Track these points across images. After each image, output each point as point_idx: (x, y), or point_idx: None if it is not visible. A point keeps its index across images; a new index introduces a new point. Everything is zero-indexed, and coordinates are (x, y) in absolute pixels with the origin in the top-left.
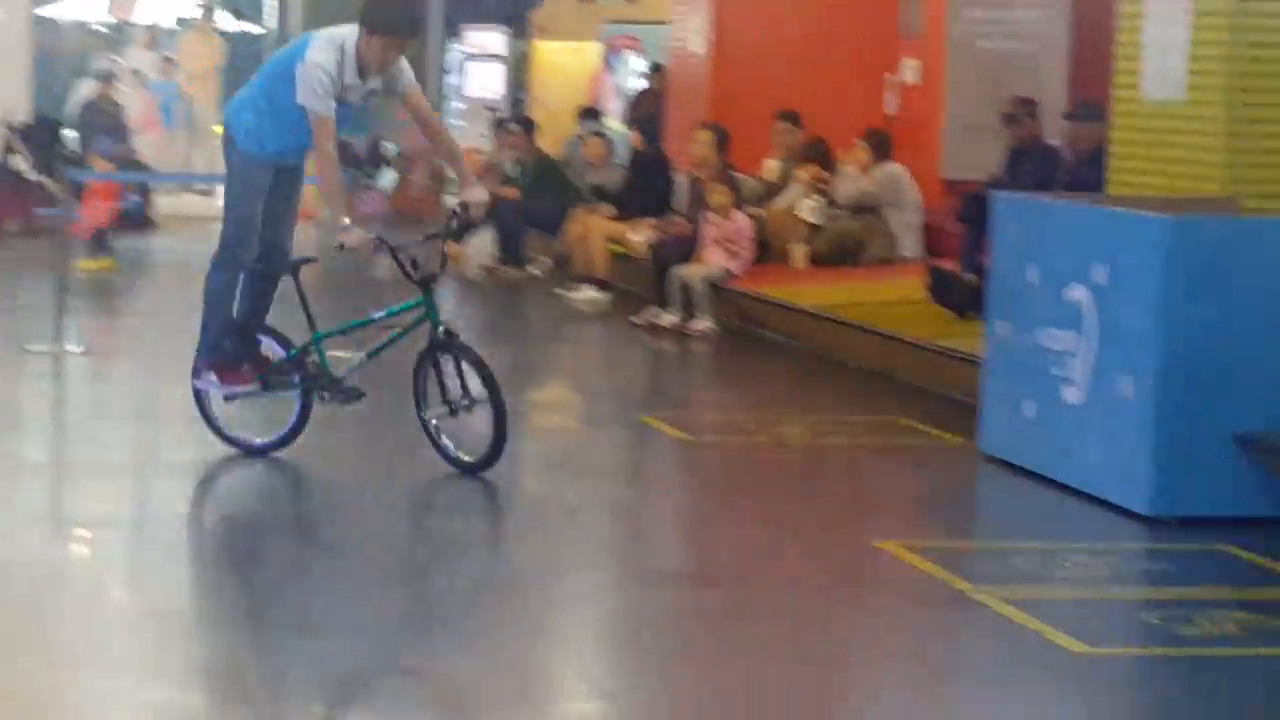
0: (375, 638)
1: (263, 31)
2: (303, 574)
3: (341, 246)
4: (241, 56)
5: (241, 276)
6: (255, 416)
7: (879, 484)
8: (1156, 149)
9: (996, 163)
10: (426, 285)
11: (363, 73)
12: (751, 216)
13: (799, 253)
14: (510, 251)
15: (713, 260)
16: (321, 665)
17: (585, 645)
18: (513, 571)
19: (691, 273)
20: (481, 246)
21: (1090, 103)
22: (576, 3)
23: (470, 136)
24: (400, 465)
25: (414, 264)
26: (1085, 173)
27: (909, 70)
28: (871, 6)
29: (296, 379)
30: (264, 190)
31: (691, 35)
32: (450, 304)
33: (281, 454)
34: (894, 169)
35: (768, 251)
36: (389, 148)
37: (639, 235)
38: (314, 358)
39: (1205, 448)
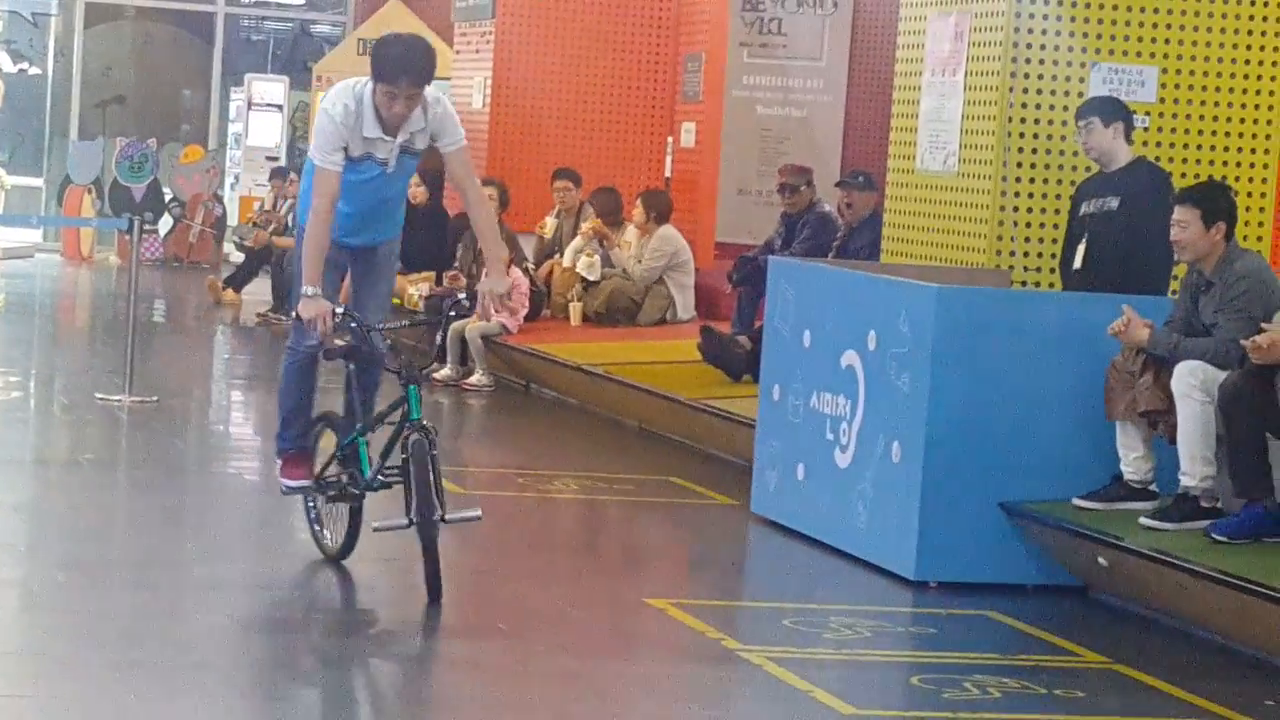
0: (142, 678)
1: (38, 73)
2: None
3: (297, 317)
4: (18, 98)
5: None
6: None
7: (650, 542)
8: (929, 219)
9: (771, 227)
10: (406, 378)
11: (387, 126)
12: (525, 272)
13: (575, 310)
14: (286, 300)
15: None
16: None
17: (353, 696)
18: (281, 619)
19: (468, 327)
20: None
21: (862, 171)
22: (356, 55)
23: (248, 185)
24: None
25: (394, 350)
26: (857, 240)
27: (686, 133)
28: (655, 70)
29: (346, 481)
30: (327, 272)
31: (473, 92)
32: (225, 351)
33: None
34: (667, 231)
35: (545, 307)
36: (167, 193)
37: (417, 289)
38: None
39: (970, 514)
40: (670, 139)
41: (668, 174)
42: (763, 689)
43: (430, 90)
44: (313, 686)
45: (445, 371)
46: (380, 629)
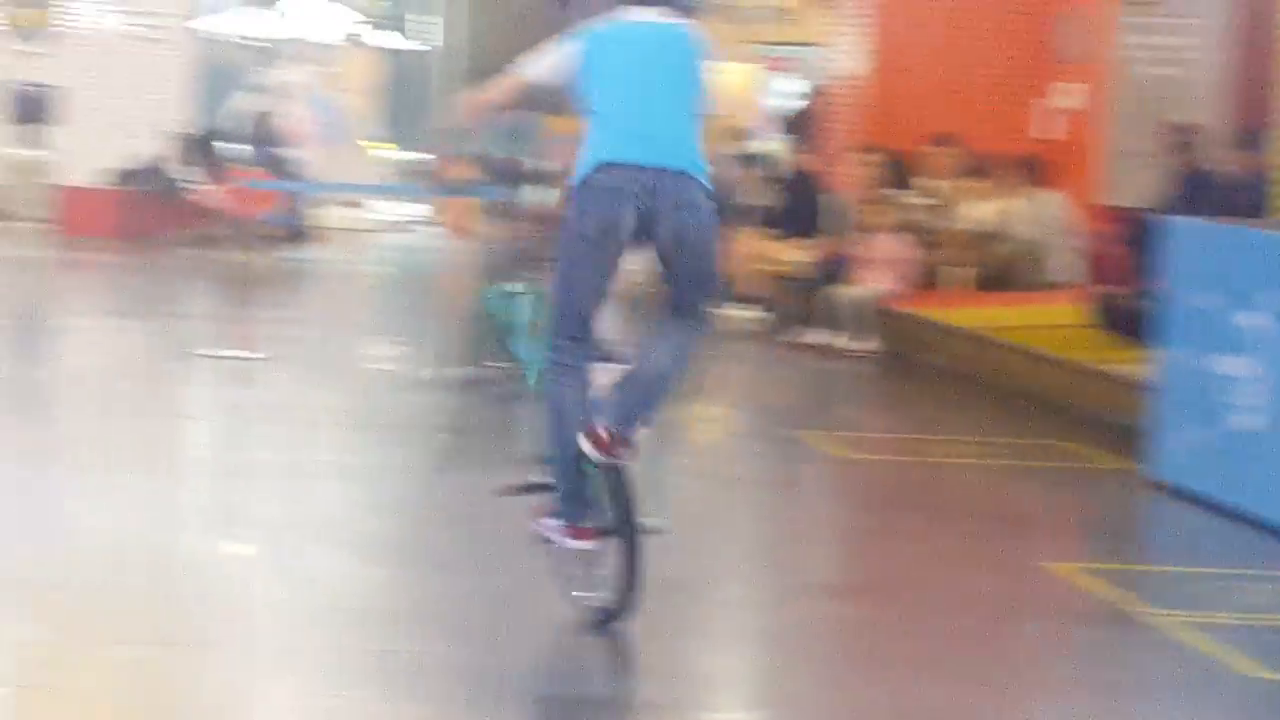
0: (539, 643)
1: (428, 49)
2: (462, 568)
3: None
4: (407, 73)
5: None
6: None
7: (1043, 506)
8: None
9: (1158, 188)
10: None
11: None
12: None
13: (960, 275)
14: None
15: (871, 280)
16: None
17: (741, 652)
18: (665, 578)
19: (850, 293)
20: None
21: (1247, 129)
22: (723, 22)
23: None
24: None
25: None
26: (1243, 198)
27: (1068, 95)
28: (1027, 30)
29: None
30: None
31: (849, 57)
32: None
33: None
34: (1050, 195)
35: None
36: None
37: (794, 255)
38: None
39: None
40: (1047, 101)
41: (1047, 136)
42: (1168, 653)
43: None
44: (678, 644)
45: (819, 337)
46: (755, 584)
